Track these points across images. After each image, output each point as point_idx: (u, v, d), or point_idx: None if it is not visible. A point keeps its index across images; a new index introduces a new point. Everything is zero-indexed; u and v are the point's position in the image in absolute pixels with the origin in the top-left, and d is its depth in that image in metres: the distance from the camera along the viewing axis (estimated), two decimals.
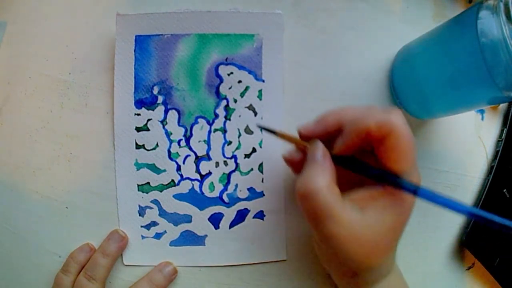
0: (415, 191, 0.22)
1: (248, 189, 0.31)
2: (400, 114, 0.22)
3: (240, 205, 0.31)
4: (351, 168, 0.24)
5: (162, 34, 0.30)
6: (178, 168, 0.31)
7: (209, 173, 0.31)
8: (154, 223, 0.31)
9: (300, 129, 0.26)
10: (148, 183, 0.31)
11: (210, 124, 0.31)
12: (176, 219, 0.31)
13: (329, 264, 0.26)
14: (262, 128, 0.28)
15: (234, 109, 0.31)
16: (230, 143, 0.31)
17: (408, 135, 0.22)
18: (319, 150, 0.24)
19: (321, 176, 0.23)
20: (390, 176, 0.23)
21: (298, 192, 0.23)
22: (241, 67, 0.31)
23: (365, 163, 0.24)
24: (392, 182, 0.23)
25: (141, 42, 0.30)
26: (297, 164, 0.26)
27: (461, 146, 0.33)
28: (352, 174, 0.24)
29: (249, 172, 0.31)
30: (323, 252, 0.26)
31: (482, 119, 0.33)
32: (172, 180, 0.31)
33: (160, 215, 0.31)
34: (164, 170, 0.31)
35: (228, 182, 0.31)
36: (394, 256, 0.26)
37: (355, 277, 0.25)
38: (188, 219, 0.31)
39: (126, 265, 0.31)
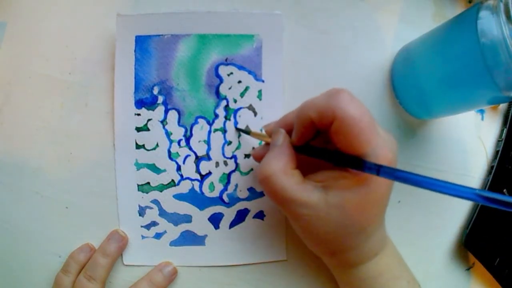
0: (378, 169, 0.20)
1: (248, 189, 0.31)
2: (343, 94, 0.21)
3: (240, 205, 0.31)
4: (310, 155, 0.24)
5: (162, 34, 0.30)
6: (178, 168, 0.31)
7: (209, 173, 0.31)
8: (154, 223, 0.31)
9: (264, 127, 0.28)
10: (148, 183, 0.31)
11: (210, 124, 0.31)
12: (176, 219, 0.31)
13: (308, 243, 0.26)
14: (239, 130, 0.30)
15: (234, 109, 0.31)
16: (230, 143, 0.31)
17: (355, 114, 0.20)
18: (280, 136, 0.25)
19: (277, 160, 0.23)
20: (346, 158, 0.22)
21: (258, 177, 0.24)
22: (241, 67, 0.31)
23: (322, 148, 0.24)
24: (350, 164, 0.22)
25: (141, 42, 0.30)
26: None
27: (461, 146, 0.33)
28: (316, 160, 0.24)
29: (249, 172, 0.31)
30: (299, 233, 0.26)
31: (482, 119, 0.33)
32: (172, 180, 0.31)
33: (160, 215, 0.31)
34: (164, 170, 0.31)
35: (228, 182, 0.31)
36: (381, 239, 0.26)
37: (334, 256, 0.26)
38: (188, 219, 0.31)
39: (126, 265, 0.31)
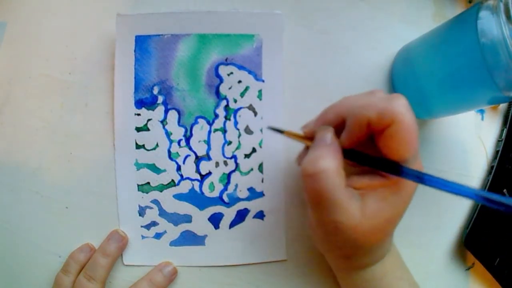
0: (419, 177, 0.21)
1: (248, 189, 0.31)
2: (403, 100, 0.21)
3: (240, 205, 0.31)
4: (353, 159, 0.23)
5: (162, 34, 0.30)
6: (178, 168, 0.31)
7: (209, 173, 0.31)
8: (154, 223, 0.31)
9: (303, 128, 0.25)
10: (148, 183, 0.31)
11: (210, 124, 0.31)
12: (176, 219, 0.31)
13: (323, 246, 0.26)
14: (272, 129, 0.27)
15: (234, 109, 0.31)
16: (230, 143, 0.31)
17: (411, 123, 0.21)
18: (329, 133, 0.23)
19: (331, 158, 0.22)
20: (391, 164, 0.22)
21: (304, 170, 0.22)
22: (241, 67, 0.31)
23: (365, 153, 0.23)
24: (393, 170, 0.22)
25: (141, 42, 0.30)
26: None
27: (461, 146, 0.33)
28: (351, 167, 0.24)
29: (249, 172, 0.31)
30: (318, 234, 0.25)
31: (482, 119, 0.33)
32: (172, 180, 0.31)
33: (160, 215, 0.31)
34: (164, 170, 0.31)
35: (228, 182, 0.31)
36: (391, 240, 0.26)
37: (349, 259, 0.25)
38: (188, 219, 0.31)
39: (126, 265, 0.31)
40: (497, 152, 0.32)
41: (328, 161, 0.21)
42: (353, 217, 0.22)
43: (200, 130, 0.31)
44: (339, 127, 0.23)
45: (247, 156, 0.31)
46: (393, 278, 0.26)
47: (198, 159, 0.31)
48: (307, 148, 0.26)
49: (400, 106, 0.21)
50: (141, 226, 0.31)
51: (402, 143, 0.21)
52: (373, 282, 0.26)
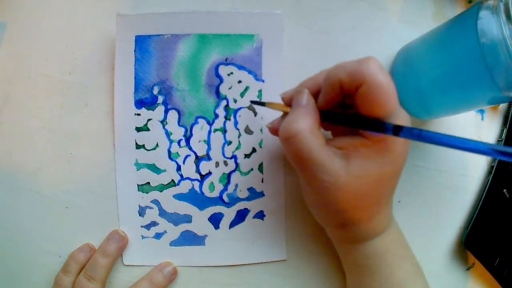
0: (395, 129, 0.21)
1: (248, 189, 0.31)
2: (373, 61, 0.22)
3: (240, 205, 0.31)
4: (330, 120, 0.24)
5: (162, 34, 0.30)
6: (178, 168, 0.31)
7: (209, 173, 0.31)
8: (154, 223, 0.31)
9: (282, 94, 0.26)
10: (148, 183, 0.31)
11: (210, 124, 0.31)
12: (176, 219, 0.31)
13: (319, 213, 0.26)
14: (253, 103, 0.29)
15: (234, 109, 0.31)
16: (230, 143, 0.31)
17: (382, 81, 0.21)
18: (304, 95, 0.24)
19: (304, 119, 0.23)
20: (366, 120, 0.22)
21: (281, 135, 0.23)
22: (241, 67, 0.31)
23: (342, 113, 0.24)
24: (370, 126, 0.22)
25: (141, 42, 0.30)
26: None
27: None
28: (335, 129, 0.25)
29: (249, 172, 0.31)
30: (312, 200, 0.26)
31: (482, 119, 0.33)
32: (172, 180, 0.31)
33: (160, 215, 0.31)
34: (164, 170, 0.31)
35: (228, 182, 0.31)
36: (389, 215, 0.26)
37: (345, 228, 0.25)
38: (188, 219, 0.31)
39: (126, 265, 0.31)
40: None
41: (302, 122, 0.22)
42: (337, 174, 0.22)
43: (200, 130, 0.31)
44: (316, 95, 0.24)
45: (247, 156, 0.31)
46: (395, 256, 0.26)
47: (198, 159, 0.31)
48: (283, 116, 0.27)
49: (371, 67, 0.21)
50: (141, 226, 0.31)
51: (376, 102, 0.21)
52: (374, 259, 0.25)
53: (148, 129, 0.31)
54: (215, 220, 0.31)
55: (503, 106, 0.33)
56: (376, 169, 0.23)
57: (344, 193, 0.22)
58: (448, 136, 0.20)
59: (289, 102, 0.26)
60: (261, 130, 0.31)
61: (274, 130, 0.27)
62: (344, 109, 0.25)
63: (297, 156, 0.23)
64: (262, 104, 0.28)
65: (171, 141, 0.31)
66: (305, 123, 0.22)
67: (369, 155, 0.22)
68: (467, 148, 0.20)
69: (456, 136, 0.20)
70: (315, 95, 0.24)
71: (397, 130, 0.21)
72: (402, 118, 0.23)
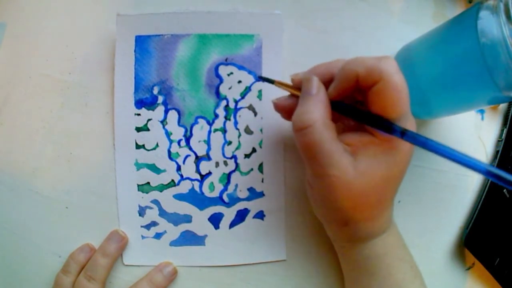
0: (402, 132, 0.22)
1: (248, 189, 0.31)
2: (391, 61, 0.22)
3: (240, 205, 0.31)
4: (340, 111, 0.24)
5: (162, 34, 0.30)
6: (178, 168, 0.31)
7: (209, 173, 0.31)
8: (154, 223, 0.31)
9: (292, 76, 0.26)
10: (148, 183, 0.31)
11: (210, 124, 0.31)
12: (176, 219, 0.31)
13: (322, 209, 0.26)
14: (262, 78, 0.28)
15: (234, 109, 0.31)
16: (230, 143, 0.31)
17: (398, 83, 0.21)
18: (314, 84, 0.23)
19: (316, 109, 0.22)
20: (376, 119, 0.22)
21: (294, 126, 0.23)
22: (241, 67, 0.31)
23: (354, 106, 0.24)
24: (378, 125, 0.22)
25: (141, 42, 0.30)
26: (289, 111, 0.25)
27: (461, 146, 0.33)
28: (345, 122, 0.24)
29: (249, 172, 0.31)
30: (315, 194, 0.25)
31: (482, 119, 0.33)
32: (172, 180, 0.31)
33: (160, 215, 0.31)
34: (164, 170, 0.31)
35: (228, 182, 0.31)
36: (390, 216, 0.26)
37: (346, 226, 0.25)
38: (188, 219, 0.31)
39: (126, 265, 0.31)
40: (497, 152, 0.32)
41: (315, 114, 0.22)
42: (346, 171, 0.22)
43: (200, 130, 0.31)
44: (328, 83, 0.24)
45: (247, 156, 0.31)
46: (394, 258, 0.26)
47: (198, 159, 0.31)
48: (290, 96, 0.26)
49: (389, 65, 0.21)
50: (141, 226, 0.31)
51: (389, 101, 0.22)
52: (374, 260, 0.25)
53: (148, 129, 0.31)
54: (215, 220, 0.31)
55: (503, 106, 0.33)
56: (382, 169, 0.23)
57: (349, 190, 0.22)
58: (451, 150, 0.21)
59: (298, 84, 0.25)
60: (261, 130, 0.31)
61: (279, 107, 0.26)
62: (354, 104, 0.25)
63: (308, 148, 0.22)
64: (272, 82, 0.27)
65: (171, 141, 0.31)
66: (318, 114, 0.22)
67: (375, 153, 0.23)
68: (466, 165, 0.21)
69: (459, 152, 0.21)
70: (326, 82, 0.24)
71: (405, 135, 0.22)
72: (410, 122, 0.23)
